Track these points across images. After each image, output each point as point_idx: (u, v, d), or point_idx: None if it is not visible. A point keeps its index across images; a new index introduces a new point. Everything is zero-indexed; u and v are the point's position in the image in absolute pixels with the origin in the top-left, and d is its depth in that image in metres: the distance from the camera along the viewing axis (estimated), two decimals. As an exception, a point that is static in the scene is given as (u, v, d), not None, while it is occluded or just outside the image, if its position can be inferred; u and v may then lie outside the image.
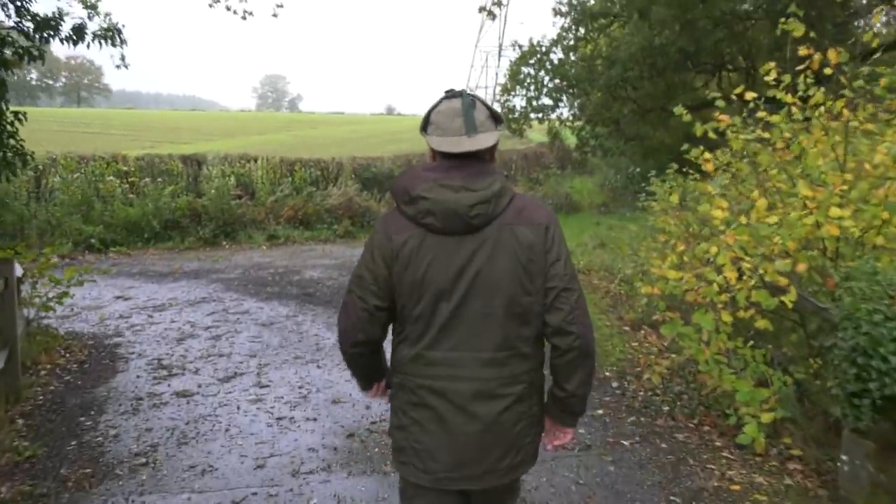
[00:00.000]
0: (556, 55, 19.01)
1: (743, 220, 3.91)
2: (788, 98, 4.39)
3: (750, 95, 4.65)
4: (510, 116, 19.13)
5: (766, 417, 3.41)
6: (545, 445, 1.98)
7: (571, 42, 18.68)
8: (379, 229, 1.81)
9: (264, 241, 13.26)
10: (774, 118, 4.47)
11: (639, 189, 21.14)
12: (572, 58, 18.68)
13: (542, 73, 18.12)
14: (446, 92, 1.81)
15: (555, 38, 18.60)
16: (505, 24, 48.91)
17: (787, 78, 4.34)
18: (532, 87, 17.94)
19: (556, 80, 18.18)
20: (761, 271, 3.66)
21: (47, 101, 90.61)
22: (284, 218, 14.21)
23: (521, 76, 18.94)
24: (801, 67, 4.44)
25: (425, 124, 1.80)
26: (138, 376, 5.18)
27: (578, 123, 17.71)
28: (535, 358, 1.83)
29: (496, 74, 48.86)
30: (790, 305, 3.43)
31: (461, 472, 1.76)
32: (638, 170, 21.34)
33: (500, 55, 44.46)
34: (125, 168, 14.41)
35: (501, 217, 1.71)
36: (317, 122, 60.20)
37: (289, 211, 14.31)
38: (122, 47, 9.91)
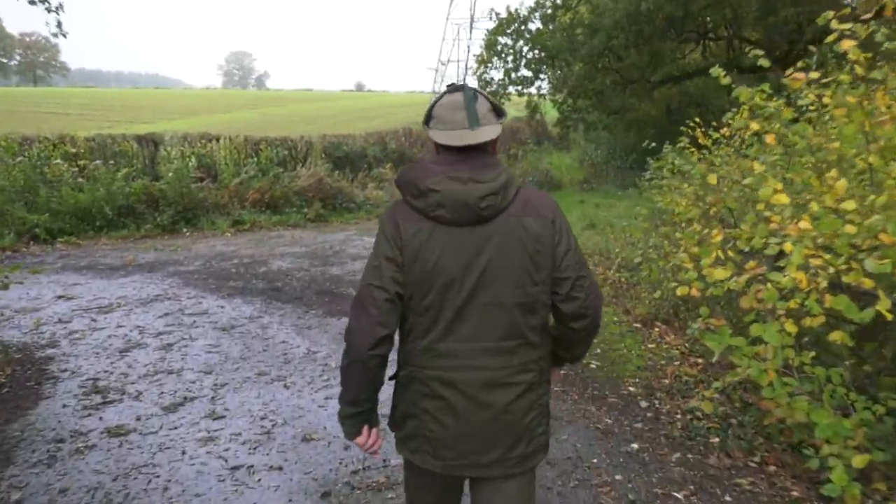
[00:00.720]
0: (535, 24, 18.12)
1: (815, 206, 3.12)
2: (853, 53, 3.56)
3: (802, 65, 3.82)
4: (487, 90, 18.19)
5: (859, 461, 2.66)
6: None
7: (549, 11, 17.77)
8: (387, 220, 1.77)
9: (228, 227, 12.26)
10: (843, 77, 3.65)
11: (623, 164, 20.57)
12: (551, 27, 17.79)
13: (520, 43, 17.17)
14: (448, 86, 1.80)
15: (532, 5, 17.67)
16: (477, -5, 47.54)
17: (861, 30, 3.49)
18: (510, 59, 17.00)
19: (535, 51, 17.26)
20: (836, 270, 2.88)
21: (2, 80, 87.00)
22: (250, 202, 13.21)
23: (499, 47, 17.98)
24: (867, 16, 3.62)
25: (428, 118, 1.78)
26: (65, 405, 4.26)
27: (559, 96, 16.82)
28: (543, 346, 1.83)
29: (468, 48, 47.77)
30: (889, 315, 2.65)
31: (471, 460, 1.77)
32: (621, 145, 20.71)
33: (471, 27, 43.38)
34: (74, 150, 13.22)
35: (509, 208, 1.70)
36: (285, 99, 58.51)
37: (254, 194, 13.31)
38: (57, 13, 8.80)
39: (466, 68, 44.93)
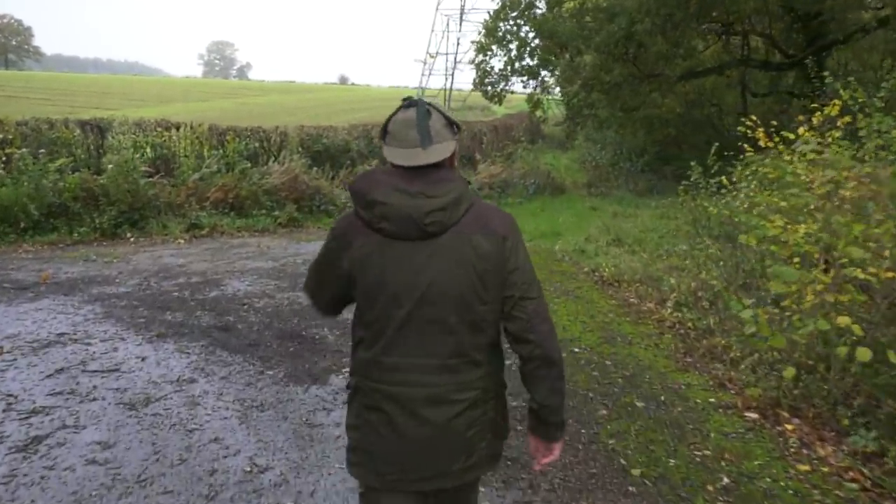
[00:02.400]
0: (540, 10, 16.25)
1: None
2: None
3: None
4: (486, 80, 16.28)
5: None
6: (534, 466, 1.94)
7: (556, -6, 15.90)
8: (336, 230, 1.78)
9: (182, 232, 10.22)
10: None
11: (634, 167, 18.77)
12: (556, 13, 15.93)
13: (525, 28, 15.28)
14: (403, 100, 1.73)
15: (539, -13, 15.79)
16: (468, -15, 45.66)
17: None
18: (514, 46, 15.10)
19: (542, 39, 15.36)
20: None
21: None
22: (211, 201, 11.18)
23: (500, 33, 16.06)
24: None
25: (383, 134, 1.73)
26: None
27: (571, 89, 14.92)
28: (490, 364, 1.79)
29: (457, 40, 45.90)
30: None
31: (411, 475, 1.75)
32: (629, 145, 18.88)
33: (461, 19, 41.56)
34: (1, 135, 11.10)
35: (458, 225, 1.66)
36: (266, 89, 56.24)
37: (217, 192, 11.28)
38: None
39: (455, 61, 43.21)
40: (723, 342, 5.34)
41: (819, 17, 16.93)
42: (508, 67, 15.68)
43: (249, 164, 12.26)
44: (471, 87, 43.62)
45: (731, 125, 20.59)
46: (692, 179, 9.30)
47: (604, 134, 19.17)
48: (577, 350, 5.30)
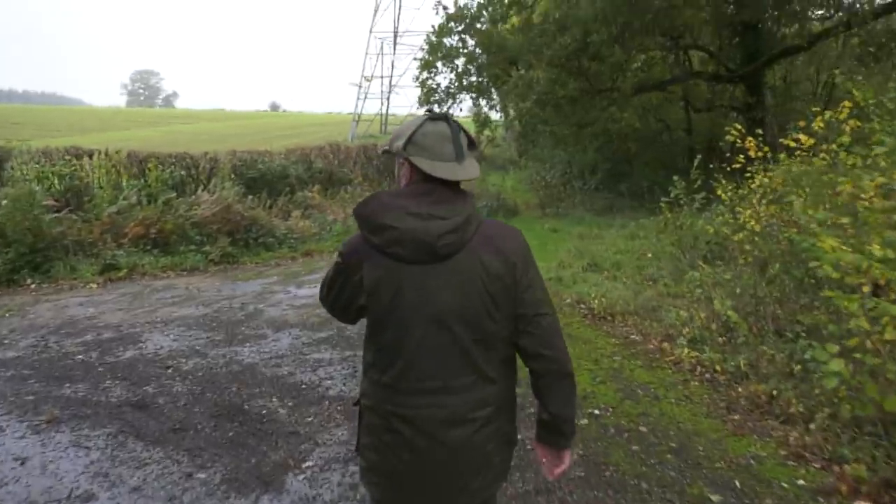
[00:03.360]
0: (484, 25, 15.47)
1: None
2: None
3: None
4: (432, 98, 15.33)
5: None
6: (546, 475, 1.88)
7: (501, 9, 15.15)
8: (343, 252, 1.72)
9: (95, 274, 8.74)
10: None
11: (587, 186, 18.09)
12: (501, 28, 15.19)
13: (472, 42, 14.43)
14: (428, 111, 1.73)
15: (482, 1, 14.99)
16: (400, 9, 45.02)
17: None
18: (461, 61, 14.22)
19: (488, 55, 14.54)
20: None
21: None
22: (130, 238, 9.73)
23: (445, 49, 15.17)
24: None
25: (407, 143, 1.65)
26: None
27: (523, 105, 14.08)
28: (503, 380, 1.76)
29: (392, 63, 45.29)
30: None
31: (433, 496, 1.72)
32: (579, 164, 18.22)
33: (395, 42, 40.86)
34: None
35: (469, 245, 1.64)
36: (194, 117, 54.05)
37: (137, 227, 9.83)
38: None
39: (391, 85, 42.40)
40: (764, 389, 4.40)
41: (756, 31, 16.83)
42: (455, 84, 14.76)
43: (175, 194, 10.87)
44: (407, 111, 42.88)
45: (680, 140, 20.44)
46: (672, 196, 8.50)
47: (552, 153, 18.46)
48: (597, 412, 4.25)
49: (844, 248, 4.01)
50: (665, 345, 5.68)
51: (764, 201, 6.66)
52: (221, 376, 5.01)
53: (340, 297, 1.75)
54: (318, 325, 6.52)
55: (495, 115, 16.98)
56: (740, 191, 7.07)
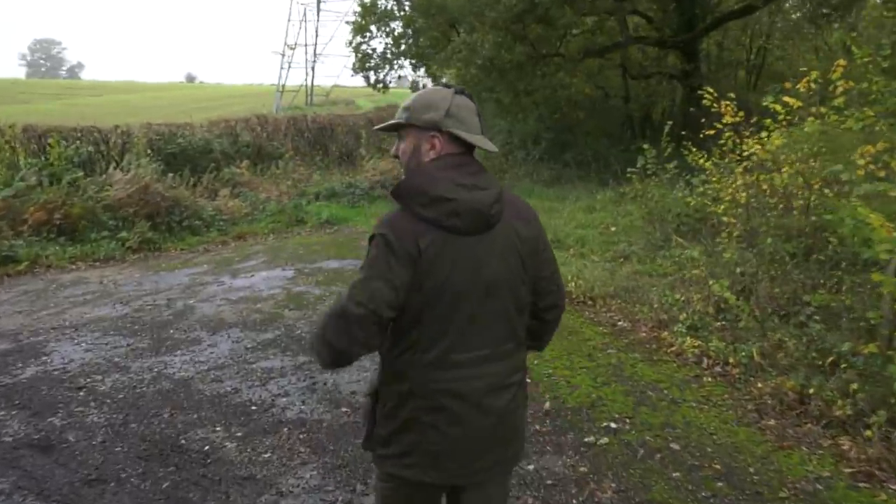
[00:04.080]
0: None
1: None
2: None
3: None
4: (367, 64, 14.30)
5: None
6: None
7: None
8: (392, 235, 1.59)
9: (-12, 270, 7.48)
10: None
11: (530, 156, 17.50)
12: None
13: (407, 3, 13.46)
14: (449, 86, 1.76)
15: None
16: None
17: None
18: (398, 24, 13.24)
19: (425, 18, 13.60)
20: None
21: None
22: (30, 224, 8.42)
23: (379, 11, 14.14)
24: None
25: (445, 114, 1.65)
26: None
27: (467, 72, 13.23)
28: (526, 343, 1.83)
29: (316, 31, 43.48)
30: None
31: (473, 467, 1.72)
32: (520, 133, 17.59)
33: (318, 9, 39.09)
34: None
35: (505, 214, 1.68)
36: (102, 88, 50.52)
37: (38, 212, 8.53)
38: None
39: (315, 54, 40.61)
40: (791, 385, 3.86)
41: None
42: (393, 50, 13.76)
43: (82, 174, 9.54)
44: (333, 81, 41.16)
45: (618, 109, 20.11)
46: (640, 165, 7.95)
47: (491, 122, 17.74)
48: (614, 425, 3.58)
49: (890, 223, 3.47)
50: (660, 333, 5.11)
51: (748, 170, 6.17)
52: (148, 398, 4.08)
53: (390, 279, 1.58)
54: (260, 323, 5.63)
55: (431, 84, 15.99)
56: (725, 159, 6.54)
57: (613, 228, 8.81)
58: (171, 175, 10.45)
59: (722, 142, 6.87)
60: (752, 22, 20.06)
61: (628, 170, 8.06)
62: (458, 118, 1.65)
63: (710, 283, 5.23)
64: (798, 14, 20.97)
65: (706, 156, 7.07)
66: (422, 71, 15.11)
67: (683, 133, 7.99)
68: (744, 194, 5.87)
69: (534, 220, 1.77)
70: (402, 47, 13.65)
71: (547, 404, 3.87)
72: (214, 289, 6.83)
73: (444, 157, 1.65)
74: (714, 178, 6.52)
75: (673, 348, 4.74)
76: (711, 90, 7.06)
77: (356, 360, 1.69)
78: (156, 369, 4.57)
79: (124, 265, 8.09)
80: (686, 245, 6.77)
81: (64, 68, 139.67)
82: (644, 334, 5.15)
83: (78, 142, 10.69)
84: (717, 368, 4.39)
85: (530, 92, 13.16)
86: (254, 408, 3.91)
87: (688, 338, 4.77)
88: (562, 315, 1.90)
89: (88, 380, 4.40)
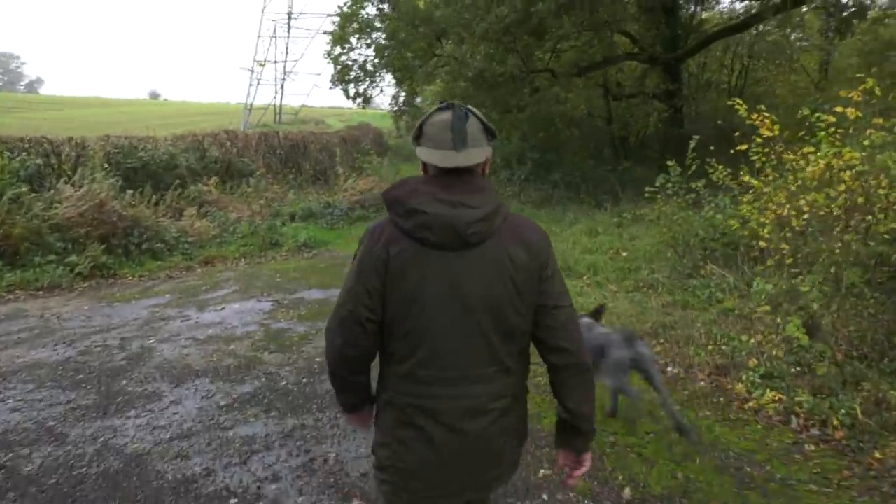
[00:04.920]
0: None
1: None
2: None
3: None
4: (346, 77, 13.44)
5: None
6: (566, 479, 1.85)
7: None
8: (367, 240, 1.67)
9: None
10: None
11: (515, 177, 16.71)
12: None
13: (393, 14, 12.66)
14: (440, 103, 1.73)
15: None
16: (294, -10, 42.24)
17: None
18: (383, 35, 12.41)
19: (415, 27, 12.78)
20: None
21: None
22: (-38, 247, 7.27)
23: (361, 20, 13.30)
24: None
25: (418, 135, 1.69)
26: None
27: (452, 85, 12.40)
28: (519, 371, 1.75)
29: (286, 47, 42.70)
30: None
31: (443, 490, 1.70)
32: (501, 153, 16.80)
33: (289, 25, 38.30)
34: None
35: (496, 235, 1.64)
36: (61, 103, 48.65)
37: (-29, 233, 7.39)
38: None
39: (286, 71, 39.69)
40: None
41: (676, 16, 16.14)
42: (378, 60, 12.91)
43: (27, 189, 8.39)
44: (303, 100, 40.21)
45: (601, 129, 19.53)
46: (660, 184, 7.16)
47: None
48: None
49: None
50: (722, 381, 4.25)
51: (802, 188, 5.41)
52: (90, 484, 3.06)
53: (364, 281, 1.62)
54: (235, 370, 4.62)
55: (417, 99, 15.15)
56: (764, 176, 5.78)
57: (625, 254, 8.01)
58: (130, 192, 9.35)
59: (756, 158, 6.17)
60: (732, 43, 19.83)
61: (646, 189, 7.26)
62: (429, 136, 1.64)
63: (777, 319, 4.40)
64: (779, 34, 20.86)
65: (735, 173, 6.34)
66: (391, 91, 14.25)
67: (713, 148, 7.27)
68: (799, 214, 5.09)
69: (536, 246, 1.67)
70: (385, 59, 12.77)
71: (627, 491, 2.95)
72: (178, 325, 5.78)
73: (436, 173, 1.64)
74: (754, 197, 5.75)
75: (750, 403, 3.87)
76: (741, 101, 6.35)
77: (355, 367, 1.69)
78: (101, 438, 3.54)
79: (72, 295, 6.97)
80: (725, 274, 5.97)
81: (22, 83, 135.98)
82: (704, 383, 4.29)
83: (25, 153, 9.52)
84: (815, 431, 3.53)
85: (522, 107, 12.37)
86: (234, 501, 2.90)
87: (766, 390, 3.91)
88: (580, 374, 1.71)
89: (10, 454, 3.35)
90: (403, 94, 14.33)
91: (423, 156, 1.64)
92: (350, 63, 13.61)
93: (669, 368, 4.61)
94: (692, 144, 6.84)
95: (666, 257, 7.09)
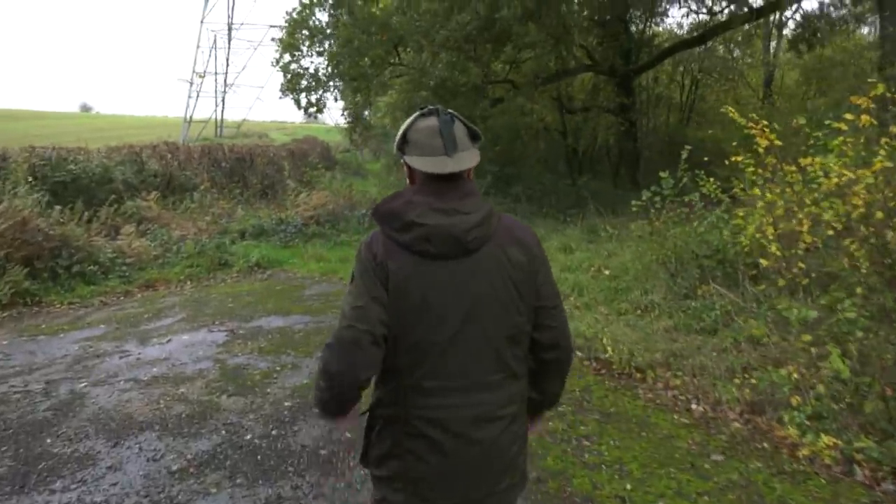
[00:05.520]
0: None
1: None
2: None
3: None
4: (297, 85, 12.71)
5: None
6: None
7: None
8: (367, 257, 1.59)
9: None
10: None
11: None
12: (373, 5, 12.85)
13: (346, 19, 12.01)
14: (420, 109, 1.68)
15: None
16: None
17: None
18: (337, 41, 11.74)
19: (371, 35, 12.14)
20: None
21: None
22: None
23: (312, 27, 12.61)
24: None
25: (402, 144, 1.65)
26: None
27: (412, 95, 11.77)
28: (524, 376, 1.73)
29: (227, 59, 41.64)
30: None
31: (458, 499, 1.65)
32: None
33: (230, 36, 37.22)
34: None
35: (493, 239, 1.62)
36: (-15, 116, 45.83)
37: None
38: None
39: (226, 84, 38.47)
40: None
41: (628, 31, 16.09)
42: (333, 68, 12.18)
43: (-65, 206, 7.35)
44: (245, 113, 39.06)
45: (557, 142, 19.26)
46: (646, 197, 6.69)
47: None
48: None
49: None
50: (757, 420, 3.74)
51: (816, 201, 5.01)
52: None
53: (370, 295, 1.54)
54: (188, 420, 3.86)
55: (371, 109, 14.47)
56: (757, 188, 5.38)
57: (607, 271, 7.52)
58: (58, 208, 8.36)
59: (752, 170, 5.80)
60: (682, 59, 19.93)
61: (633, 202, 6.79)
62: (415, 143, 1.60)
63: (813, 349, 3.92)
64: (725, 51, 21.15)
65: (726, 188, 5.98)
66: (342, 102, 13.49)
67: (707, 159, 6.89)
68: (812, 227, 4.68)
69: (531, 245, 1.66)
70: (340, 67, 12.07)
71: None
72: (116, 363, 4.94)
73: (427, 181, 1.59)
74: (751, 211, 5.35)
75: (802, 451, 3.35)
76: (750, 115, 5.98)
77: (361, 388, 1.56)
78: (15, 526, 2.74)
79: (-12, 328, 6.01)
80: (728, 294, 5.52)
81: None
82: (738, 424, 3.76)
83: (-67, 166, 8.44)
84: (889, 485, 3.03)
85: (486, 118, 11.85)
86: None
87: (819, 434, 3.40)
88: (567, 364, 1.76)
89: None
90: (358, 103, 13.57)
91: (416, 164, 1.59)
92: (301, 71, 12.82)
93: (694, 405, 4.07)
94: (684, 155, 6.41)
95: (658, 276, 6.61)
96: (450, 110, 1.65)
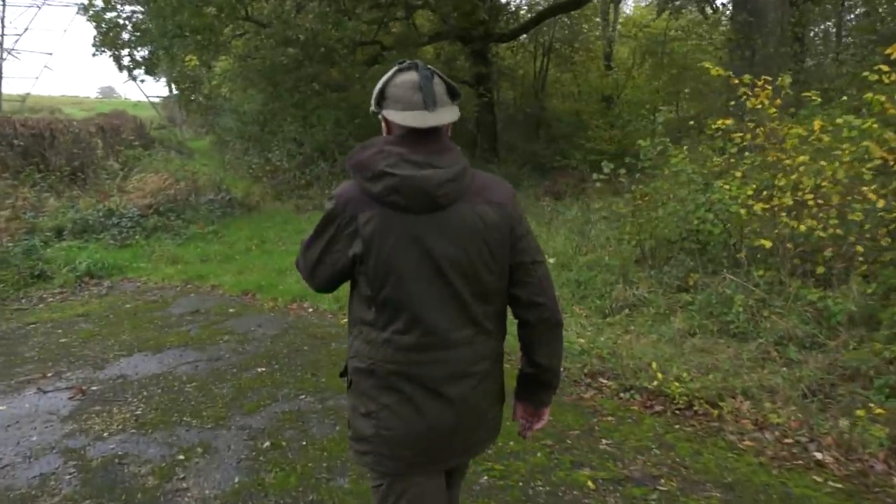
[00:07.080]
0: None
1: None
2: None
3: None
4: (116, 40, 10.17)
5: None
6: (523, 434, 1.87)
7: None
8: (335, 205, 1.55)
9: None
10: None
11: (310, 170, 14.27)
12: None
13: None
14: (398, 63, 1.62)
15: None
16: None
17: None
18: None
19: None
20: None
21: None
22: None
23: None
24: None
25: (380, 99, 1.59)
26: None
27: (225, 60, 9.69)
28: (499, 333, 1.71)
29: (2, 21, 35.68)
30: None
31: (434, 454, 1.65)
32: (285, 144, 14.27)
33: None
34: None
35: (466, 195, 1.56)
36: None
37: None
38: None
39: (3, 49, 32.67)
40: None
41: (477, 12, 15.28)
42: (165, 22, 9.70)
43: None
44: (32, 84, 33.45)
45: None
46: (606, 170, 5.54)
47: (275, 130, 14.25)
48: None
49: None
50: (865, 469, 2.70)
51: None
52: None
53: (329, 252, 1.59)
54: None
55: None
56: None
57: (552, 260, 6.33)
58: None
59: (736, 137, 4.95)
60: (537, 30, 19.44)
61: (595, 176, 5.62)
62: (394, 97, 1.54)
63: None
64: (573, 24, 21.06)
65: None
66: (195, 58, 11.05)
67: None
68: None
69: (505, 204, 1.59)
70: (175, 17, 9.65)
71: None
72: None
73: (403, 134, 1.53)
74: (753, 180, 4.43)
75: None
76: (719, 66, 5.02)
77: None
78: None
79: None
80: (748, 285, 4.52)
81: None
82: (867, 487, 2.68)
83: None
84: None
85: (344, 87, 10.09)
86: None
87: None
88: (554, 328, 1.66)
89: None
90: (200, 64, 11.18)
91: (395, 119, 1.52)
92: (122, 22, 10.19)
93: (817, 453, 2.93)
94: (660, 118, 5.33)
95: (640, 265, 5.49)
96: (429, 66, 1.56)
